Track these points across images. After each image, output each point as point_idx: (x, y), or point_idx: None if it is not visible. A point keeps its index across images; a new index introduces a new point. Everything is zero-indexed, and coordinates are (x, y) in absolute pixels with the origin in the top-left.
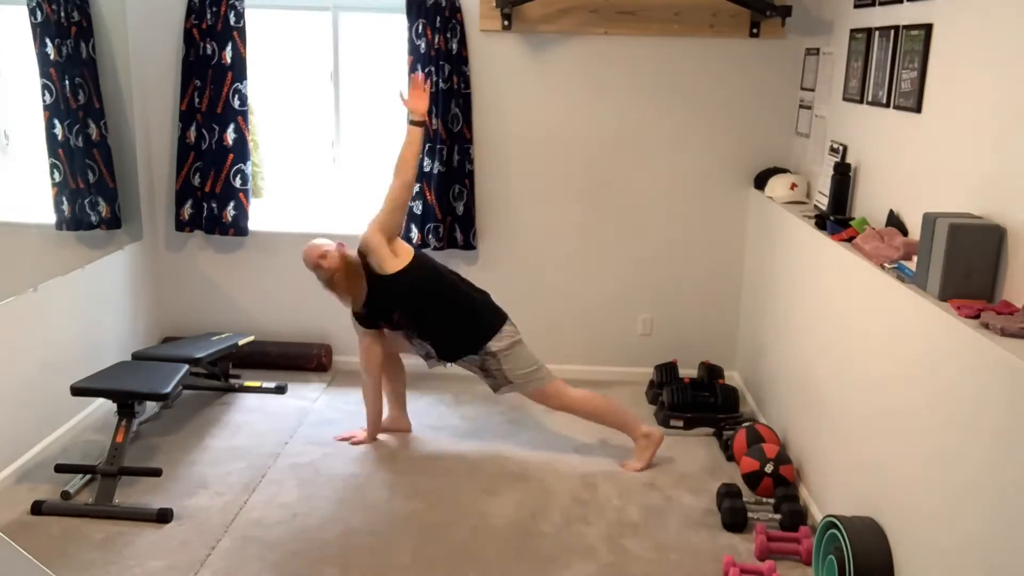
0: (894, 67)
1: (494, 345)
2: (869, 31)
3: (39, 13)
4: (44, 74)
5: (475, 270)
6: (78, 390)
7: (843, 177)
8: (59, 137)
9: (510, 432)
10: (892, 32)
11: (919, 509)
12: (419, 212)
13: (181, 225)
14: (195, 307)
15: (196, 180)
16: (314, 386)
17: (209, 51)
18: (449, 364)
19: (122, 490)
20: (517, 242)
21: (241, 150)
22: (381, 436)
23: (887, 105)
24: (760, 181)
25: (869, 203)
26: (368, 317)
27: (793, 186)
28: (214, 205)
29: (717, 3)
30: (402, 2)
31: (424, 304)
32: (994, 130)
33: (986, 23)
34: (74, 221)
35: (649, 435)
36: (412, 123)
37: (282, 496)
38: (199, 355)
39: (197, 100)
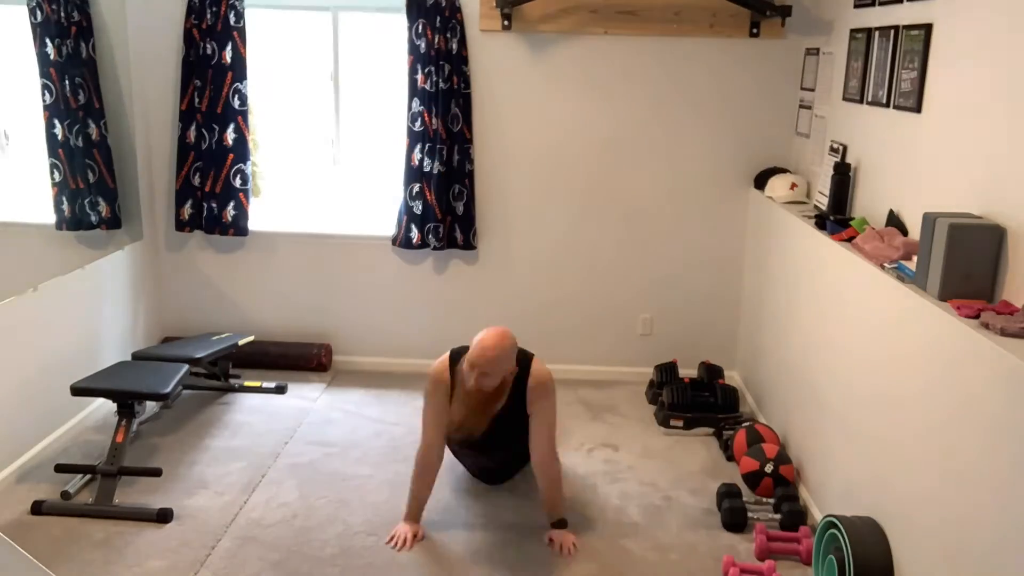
0: (894, 67)
1: None
2: (869, 31)
3: (39, 13)
4: (44, 74)
5: (475, 270)
6: (78, 390)
7: (843, 177)
8: (59, 137)
9: None
10: (892, 32)
11: (919, 509)
12: (419, 212)
13: (181, 225)
14: (195, 307)
15: (196, 180)
16: (314, 386)
17: (209, 51)
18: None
19: (122, 490)
20: (517, 241)
21: (241, 150)
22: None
23: (887, 105)
24: (760, 181)
25: (869, 203)
26: (485, 436)
27: (793, 186)
28: (214, 205)
29: (717, 3)
30: (402, 2)
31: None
32: (994, 130)
33: (986, 23)
34: (74, 221)
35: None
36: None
37: (282, 496)
38: (199, 355)
39: (197, 100)
